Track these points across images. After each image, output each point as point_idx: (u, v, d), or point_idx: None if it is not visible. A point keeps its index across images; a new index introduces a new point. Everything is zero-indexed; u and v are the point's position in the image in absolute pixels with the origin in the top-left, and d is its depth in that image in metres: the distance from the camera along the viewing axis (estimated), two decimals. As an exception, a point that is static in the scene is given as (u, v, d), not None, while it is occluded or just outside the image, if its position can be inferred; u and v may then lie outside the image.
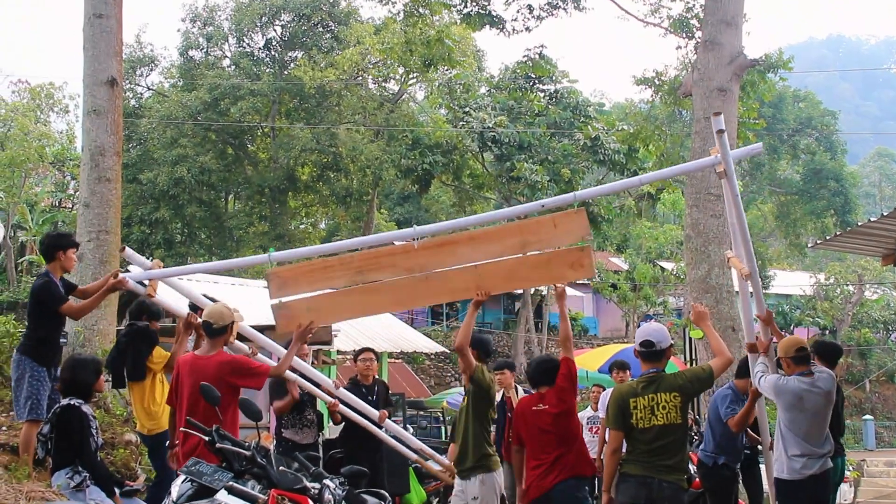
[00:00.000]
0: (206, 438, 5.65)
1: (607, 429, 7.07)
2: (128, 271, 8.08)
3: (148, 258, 7.85)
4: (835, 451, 7.67)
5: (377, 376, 9.89)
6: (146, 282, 7.49)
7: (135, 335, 8.49)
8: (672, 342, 7.04)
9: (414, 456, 9.43)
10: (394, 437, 9.22)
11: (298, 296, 7.49)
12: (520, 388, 11.17)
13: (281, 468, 5.48)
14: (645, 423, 6.52)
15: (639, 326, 41.13)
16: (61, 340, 8.25)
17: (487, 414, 8.12)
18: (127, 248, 7.83)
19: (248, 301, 12.42)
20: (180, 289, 8.17)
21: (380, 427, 9.03)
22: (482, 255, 7.36)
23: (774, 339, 7.82)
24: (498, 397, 10.85)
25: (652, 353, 6.67)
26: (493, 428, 10.61)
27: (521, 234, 7.42)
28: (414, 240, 7.36)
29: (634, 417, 6.54)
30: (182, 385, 6.67)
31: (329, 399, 8.70)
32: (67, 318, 8.06)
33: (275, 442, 7.76)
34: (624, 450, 6.75)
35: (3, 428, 8.78)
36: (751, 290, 7.85)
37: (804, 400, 7.17)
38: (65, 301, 7.81)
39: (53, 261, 7.96)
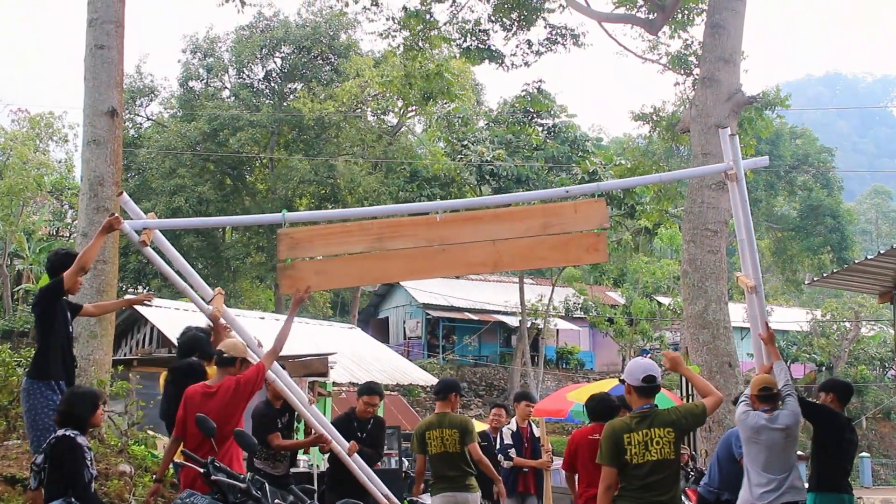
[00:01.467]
0: (202, 470, 5.62)
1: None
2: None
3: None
4: (843, 488, 7.88)
5: (378, 415, 9.78)
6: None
7: (183, 376, 7.84)
8: None
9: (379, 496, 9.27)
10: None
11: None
12: (533, 425, 11.17)
13: (276, 501, 5.45)
14: (639, 459, 6.44)
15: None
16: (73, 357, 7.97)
17: None
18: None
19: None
20: (239, 329, 8.08)
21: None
22: (505, 233, 7.54)
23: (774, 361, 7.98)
24: (514, 427, 10.88)
25: (653, 388, 6.63)
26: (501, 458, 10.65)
27: (543, 216, 7.68)
28: (437, 213, 7.53)
29: (629, 453, 6.46)
30: (190, 416, 6.70)
31: (303, 410, 8.57)
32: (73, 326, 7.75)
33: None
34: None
35: (-3, 458, 8.74)
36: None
37: (760, 434, 7.48)
38: (66, 283, 7.51)
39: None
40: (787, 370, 8.01)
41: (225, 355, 6.91)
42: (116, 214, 7.67)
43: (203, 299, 8.09)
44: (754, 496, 7.54)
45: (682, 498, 11.38)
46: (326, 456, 9.33)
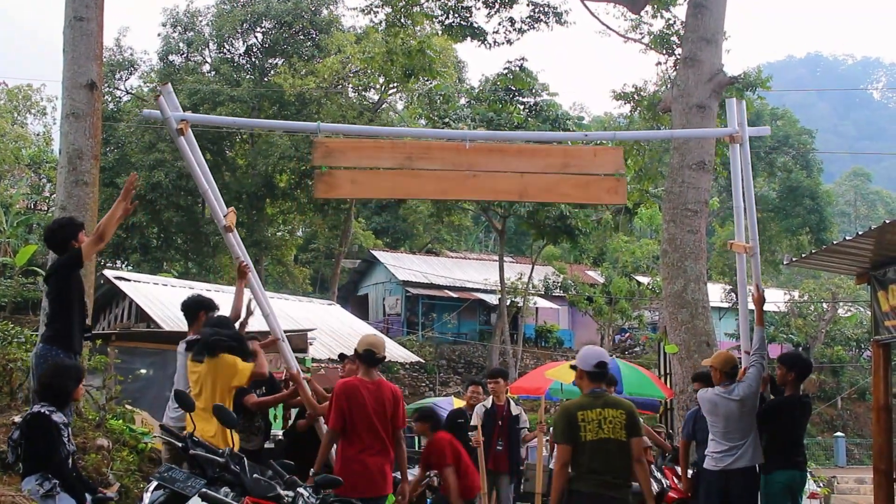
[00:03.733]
0: (180, 445, 5.62)
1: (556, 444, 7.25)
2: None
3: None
4: (796, 464, 8.27)
5: None
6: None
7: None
8: None
9: None
10: None
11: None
12: (512, 403, 11.21)
13: (255, 475, 5.46)
14: (592, 436, 6.67)
15: (614, 340, 41.00)
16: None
17: None
18: (168, 85, 8.10)
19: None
20: (283, 352, 8.76)
21: None
22: (527, 167, 8.07)
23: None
24: (488, 404, 10.90)
25: (603, 374, 6.98)
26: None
27: (564, 156, 8.27)
28: (465, 142, 7.97)
29: (583, 430, 6.68)
30: (359, 407, 7.16)
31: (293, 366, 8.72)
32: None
33: None
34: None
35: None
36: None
37: (718, 406, 8.19)
38: (85, 256, 7.62)
39: (66, 252, 7.70)
40: (764, 338, 8.59)
41: (377, 355, 7.35)
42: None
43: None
44: (716, 461, 8.18)
45: (659, 476, 11.50)
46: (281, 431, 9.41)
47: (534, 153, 8.30)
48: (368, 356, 7.38)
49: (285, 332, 15.85)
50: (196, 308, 8.25)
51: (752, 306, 9.03)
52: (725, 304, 36.57)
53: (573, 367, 7.12)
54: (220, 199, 8.42)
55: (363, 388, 7.29)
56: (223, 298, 8.53)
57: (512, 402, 11.19)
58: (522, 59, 35.12)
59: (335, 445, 7.47)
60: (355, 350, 7.57)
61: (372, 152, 8.03)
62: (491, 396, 10.97)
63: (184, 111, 8.09)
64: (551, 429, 11.53)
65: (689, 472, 10.35)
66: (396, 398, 7.47)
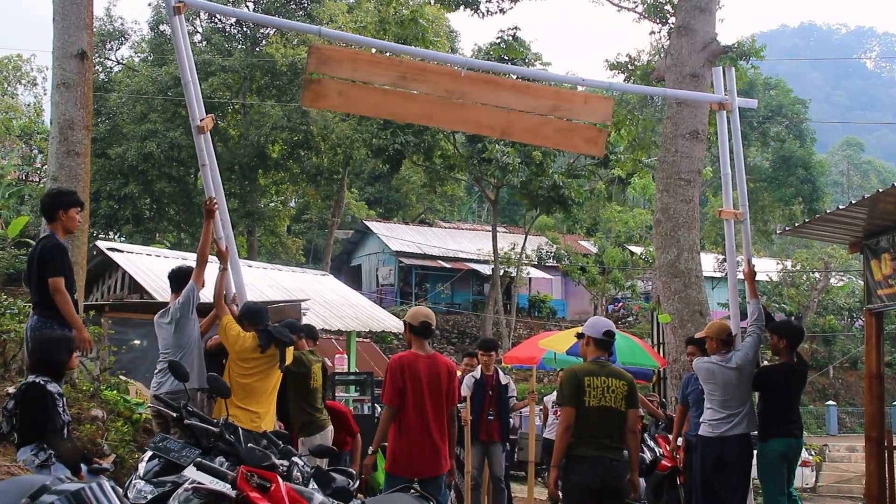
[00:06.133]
0: (174, 415, 5.63)
1: (559, 406, 7.30)
2: None
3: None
4: (791, 432, 8.31)
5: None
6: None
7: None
8: None
9: None
10: None
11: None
12: (501, 373, 11.24)
13: (249, 445, 5.46)
14: (595, 403, 6.84)
15: (607, 310, 41.05)
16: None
17: None
18: None
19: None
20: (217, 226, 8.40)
21: None
22: (517, 104, 8.07)
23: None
24: (477, 375, 10.94)
25: (610, 342, 7.17)
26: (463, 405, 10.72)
27: (556, 98, 8.31)
28: (462, 69, 7.89)
29: (588, 395, 6.84)
30: (415, 382, 7.08)
31: None
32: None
33: None
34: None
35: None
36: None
37: (716, 374, 8.23)
38: (63, 274, 7.42)
39: (54, 221, 7.60)
40: (760, 309, 8.62)
41: (433, 327, 7.32)
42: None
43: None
44: (713, 428, 8.24)
45: (652, 444, 11.56)
46: None
47: (527, 91, 8.24)
48: (425, 328, 7.23)
49: (278, 302, 15.90)
50: (183, 278, 8.25)
51: (741, 277, 9.13)
52: (718, 274, 36.62)
53: (579, 336, 7.31)
54: (201, 100, 8.18)
55: (418, 361, 7.14)
56: (214, 269, 8.45)
57: (500, 371, 11.22)
58: (515, 28, 35.15)
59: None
60: (407, 323, 7.33)
61: (367, 66, 7.90)
62: (479, 367, 11.00)
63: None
64: (554, 392, 11.59)
65: (679, 440, 10.45)
66: (451, 373, 7.33)
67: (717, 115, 8.65)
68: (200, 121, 8.07)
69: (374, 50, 12.40)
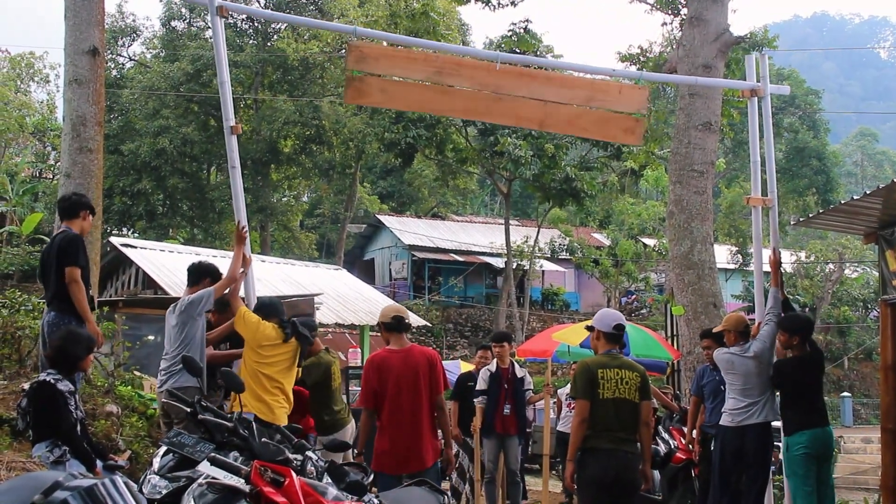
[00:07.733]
0: (188, 410, 5.63)
1: (573, 399, 7.30)
2: None
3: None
4: (814, 422, 8.20)
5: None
6: None
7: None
8: None
9: None
10: None
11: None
12: (517, 365, 11.24)
13: (263, 439, 5.46)
14: (609, 395, 6.86)
15: (620, 303, 41.02)
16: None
17: None
18: None
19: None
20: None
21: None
22: (552, 95, 8.18)
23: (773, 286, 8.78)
24: (493, 368, 10.94)
25: (620, 335, 7.18)
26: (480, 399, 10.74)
27: (591, 89, 8.41)
28: (497, 63, 8.01)
29: (601, 387, 6.86)
30: (389, 380, 7.16)
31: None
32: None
33: None
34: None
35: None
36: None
37: (735, 364, 8.34)
38: (80, 264, 7.60)
39: (75, 218, 7.87)
40: (779, 298, 8.63)
41: (406, 321, 7.41)
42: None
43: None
44: (733, 417, 8.30)
45: (666, 436, 11.53)
46: None
47: (562, 82, 8.40)
48: (398, 322, 7.33)
49: (292, 296, 15.92)
50: (203, 273, 8.28)
51: (767, 268, 9.12)
52: (732, 266, 36.55)
53: (589, 329, 7.32)
54: (231, 101, 8.30)
55: (392, 357, 7.22)
56: (224, 263, 8.45)
57: (516, 364, 11.22)
58: (527, 20, 34.98)
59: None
60: (381, 323, 7.46)
61: (404, 62, 8.10)
62: (495, 360, 10.99)
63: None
64: (567, 385, 11.59)
65: (694, 432, 10.44)
66: (432, 362, 7.33)
67: (748, 103, 8.66)
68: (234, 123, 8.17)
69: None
